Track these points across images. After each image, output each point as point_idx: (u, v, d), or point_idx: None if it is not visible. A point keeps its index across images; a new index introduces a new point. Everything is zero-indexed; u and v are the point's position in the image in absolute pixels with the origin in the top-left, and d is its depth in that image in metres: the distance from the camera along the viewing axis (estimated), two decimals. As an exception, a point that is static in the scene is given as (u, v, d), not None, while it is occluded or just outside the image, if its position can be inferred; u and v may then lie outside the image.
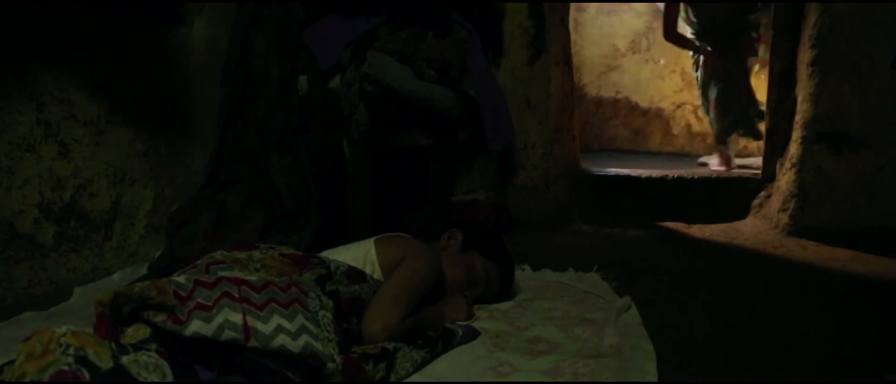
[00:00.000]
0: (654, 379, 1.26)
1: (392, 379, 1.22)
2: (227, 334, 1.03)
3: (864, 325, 1.64)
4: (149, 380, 0.92)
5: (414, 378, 1.26)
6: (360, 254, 1.51)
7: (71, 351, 0.87)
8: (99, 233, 1.93)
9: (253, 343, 1.04)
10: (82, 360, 0.86)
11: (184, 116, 2.29)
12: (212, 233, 2.07)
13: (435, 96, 2.25)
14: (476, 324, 1.54)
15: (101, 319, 1.02)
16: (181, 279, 1.10)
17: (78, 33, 1.84)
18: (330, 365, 1.09)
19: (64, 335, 0.88)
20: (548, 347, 1.41)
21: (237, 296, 1.09)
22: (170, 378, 0.95)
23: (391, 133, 2.32)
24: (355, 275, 1.41)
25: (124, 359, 0.91)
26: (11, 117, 1.66)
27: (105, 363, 0.88)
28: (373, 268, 1.49)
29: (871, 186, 2.74)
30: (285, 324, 1.08)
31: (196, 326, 1.02)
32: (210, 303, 1.06)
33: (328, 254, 1.53)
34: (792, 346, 1.47)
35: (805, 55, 2.81)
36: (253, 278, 1.15)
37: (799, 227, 2.80)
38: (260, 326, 1.05)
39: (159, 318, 1.03)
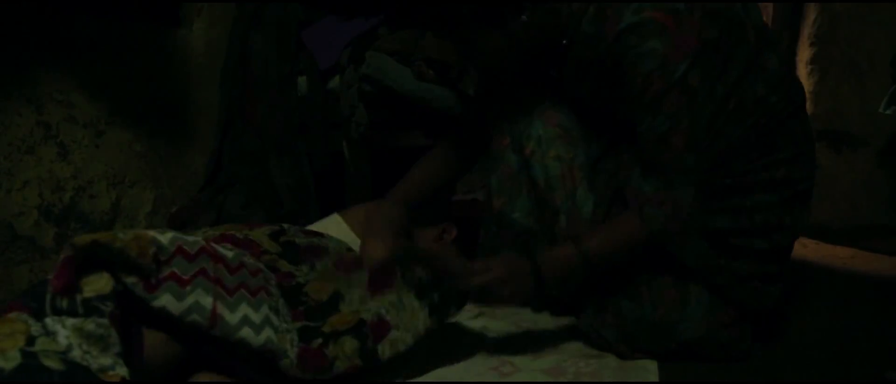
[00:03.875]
0: (656, 378, 1.26)
1: (387, 354, 1.16)
2: (194, 317, 1.00)
3: (865, 324, 1.64)
4: (53, 368, 0.81)
5: (413, 379, 1.25)
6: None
7: None
8: (99, 235, 1.93)
9: (216, 332, 1.01)
10: None
11: (183, 118, 2.29)
12: (212, 235, 2.07)
13: (434, 96, 2.24)
14: (477, 325, 1.54)
15: (67, 264, 0.90)
16: (165, 239, 1.04)
17: (78, 35, 1.84)
18: (284, 361, 1.07)
19: None
20: (549, 347, 1.41)
21: (212, 275, 1.05)
22: (115, 350, 0.89)
23: (391, 133, 2.32)
24: (311, 232, 1.37)
25: (40, 344, 0.81)
26: (11, 119, 1.66)
27: (10, 362, 0.78)
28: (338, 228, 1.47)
29: (871, 184, 2.74)
30: (251, 314, 1.05)
31: (165, 301, 0.98)
32: (186, 278, 1.01)
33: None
34: (792, 345, 1.47)
35: (804, 54, 2.81)
36: (229, 254, 1.11)
37: (799, 226, 2.80)
38: (227, 315, 1.03)
39: (130, 280, 0.97)
